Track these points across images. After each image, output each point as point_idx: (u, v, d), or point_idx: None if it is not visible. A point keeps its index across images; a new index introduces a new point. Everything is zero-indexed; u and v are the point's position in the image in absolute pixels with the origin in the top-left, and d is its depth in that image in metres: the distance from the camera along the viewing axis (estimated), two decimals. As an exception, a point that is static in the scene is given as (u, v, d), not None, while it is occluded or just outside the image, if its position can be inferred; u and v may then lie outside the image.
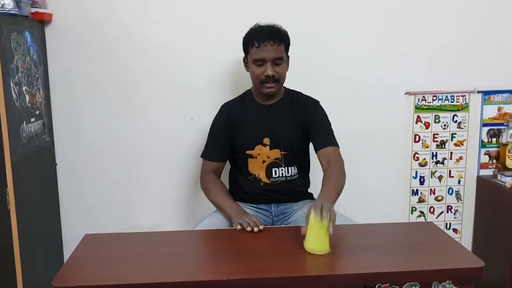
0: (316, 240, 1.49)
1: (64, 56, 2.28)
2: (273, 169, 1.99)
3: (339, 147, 1.99)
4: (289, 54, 1.98)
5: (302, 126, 2.01)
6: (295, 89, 2.08)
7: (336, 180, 1.82)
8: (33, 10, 2.09)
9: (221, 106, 2.08)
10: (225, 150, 2.03)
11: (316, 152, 1.98)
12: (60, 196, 2.38)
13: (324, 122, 2.03)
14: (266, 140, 1.98)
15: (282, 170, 2.00)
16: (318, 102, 2.06)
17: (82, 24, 2.26)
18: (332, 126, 2.08)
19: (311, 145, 2.05)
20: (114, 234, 1.81)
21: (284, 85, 2.01)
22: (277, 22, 1.96)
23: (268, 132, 1.98)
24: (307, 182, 2.12)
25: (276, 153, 1.99)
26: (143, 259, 1.49)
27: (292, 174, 2.02)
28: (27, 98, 1.99)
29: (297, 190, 2.06)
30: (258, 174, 2.00)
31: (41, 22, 2.19)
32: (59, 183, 2.37)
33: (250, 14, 2.30)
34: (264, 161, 1.99)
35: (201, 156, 2.07)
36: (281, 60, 1.91)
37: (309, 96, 2.08)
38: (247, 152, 1.98)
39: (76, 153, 2.36)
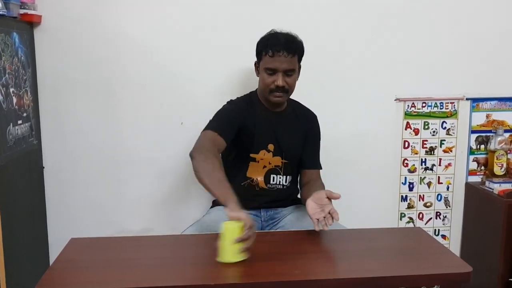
0: (229, 249, 1.42)
1: (53, 58, 2.26)
2: (272, 176, 2.00)
3: (321, 169, 2.07)
4: (300, 64, 1.97)
5: (303, 137, 2.04)
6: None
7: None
8: (22, 11, 2.08)
9: (229, 101, 2.01)
10: (232, 132, 1.86)
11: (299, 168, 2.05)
12: (46, 199, 2.36)
13: (317, 140, 2.09)
14: (271, 146, 1.97)
15: (280, 178, 2.00)
16: (316, 116, 2.10)
17: (71, 26, 2.25)
18: (322, 132, 2.10)
19: None
20: (101, 238, 1.79)
21: None
22: (292, 30, 1.93)
23: (274, 138, 1.98)
24: (297, 189, 2.13)
25: (277, 161, 1.99)
26: (130, 263, 1.47)
27: (288, 182, 2.03)
28: (15, 100, 1.96)
29: (288, 198, 2.07)
30: (257, 178, 1.98)
31: (30, 23, 2.17)
32: (46, 186, 2.35)
33: (242, 20, 2.32)
34: (264, 167, 1.99)
35: (205, 128, 1.82)
36: (293, 72, 1.90)
37: (308, 108, 2.11)
38: (251, 155, 1.97)
39: (63, 157, 2.34)
